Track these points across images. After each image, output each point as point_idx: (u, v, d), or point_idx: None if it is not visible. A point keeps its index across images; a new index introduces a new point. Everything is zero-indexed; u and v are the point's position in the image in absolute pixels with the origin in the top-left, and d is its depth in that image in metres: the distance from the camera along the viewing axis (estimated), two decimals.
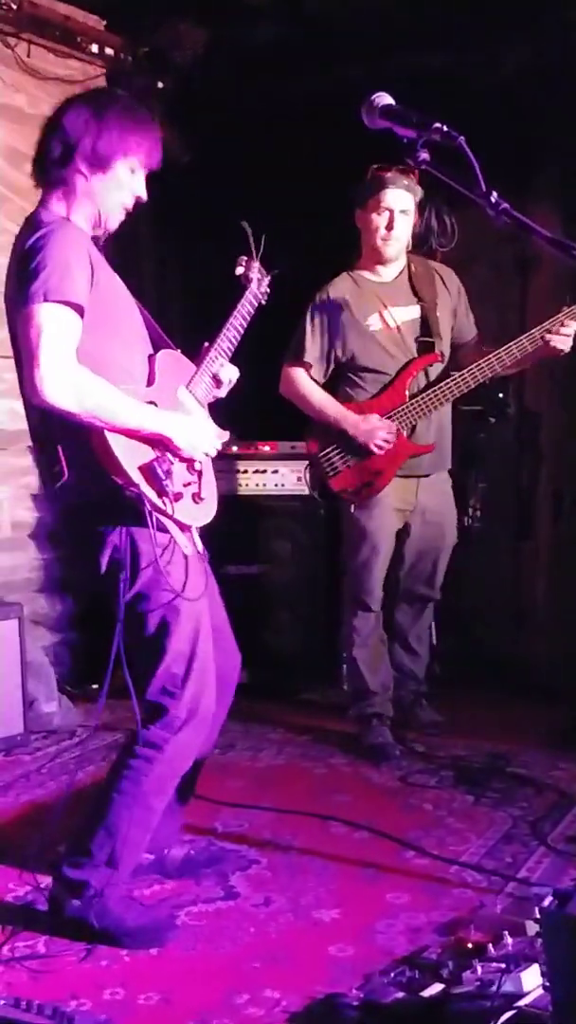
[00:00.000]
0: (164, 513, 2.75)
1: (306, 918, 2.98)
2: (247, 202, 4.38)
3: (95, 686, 5.03)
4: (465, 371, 4.26)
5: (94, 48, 5.21)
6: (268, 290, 3.28)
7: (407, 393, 4.32)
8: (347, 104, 2.39)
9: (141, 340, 2.95)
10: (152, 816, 2.88)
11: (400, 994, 2.47)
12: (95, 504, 2.76)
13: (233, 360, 3.18)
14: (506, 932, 2.61)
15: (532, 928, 2.66)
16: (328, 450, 4.38)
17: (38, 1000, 2.36)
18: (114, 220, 2.93)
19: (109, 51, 5.27)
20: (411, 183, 4.26)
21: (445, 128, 2.16)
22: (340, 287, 4.40)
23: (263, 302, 3.27)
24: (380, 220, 4.28)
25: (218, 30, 5.25)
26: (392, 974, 2.58)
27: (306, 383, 4.40)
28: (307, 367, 4.40)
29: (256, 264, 3.25)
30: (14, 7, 4.79)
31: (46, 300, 2.63)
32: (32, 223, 2.81)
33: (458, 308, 4.49)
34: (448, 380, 4.28)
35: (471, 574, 5.52)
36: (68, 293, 2.66)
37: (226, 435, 3.07)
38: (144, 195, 2.94)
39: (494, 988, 2.35)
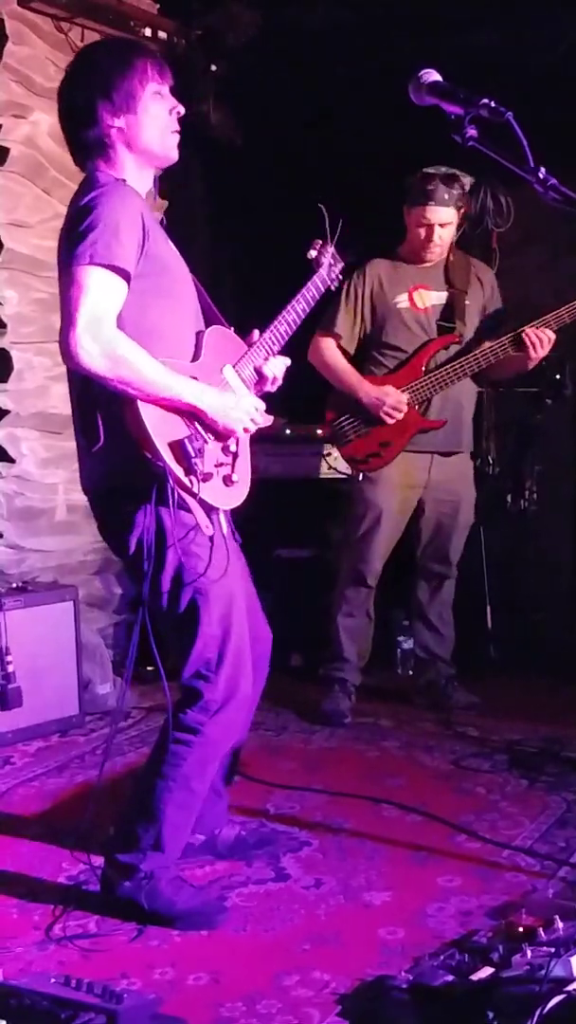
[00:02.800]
0: (189, 491, 2.72)
1: (356, 900, 2.97)
2: (299, 184, 4.41)
3: (149, 668, 5.05)
4: (478, 352, 4.38)
5: (147, 32, 5.18)
6: (340, 276, 3.26)
7: (423, 369, 4.43)
8: (398, 83, 2.37)
9: (192, 314, 2.92)
10: (194, 798, 2.88)
11: (449, 977, 2.45)
12: (124, 479, 2.75)
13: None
14: (557, 917, 2.58)
15: None
16: (342, 419, 4.55)
17: (88, 978, 2.38)
18: (171, 148, 2.89)
19: (162, 35, 5.25)
20: (455, 193, 4.34)
21: (492, 104, 2.14)
22: (377, 265, 4.55)
23: (332, 287, 3.24)
24: (421, 232, 4.42)
25: (271, 12, 5.22)
26: (442, 957, 2.57)
27: (331, 351, 4.54)
28: (337, 337, 4.53)
29: (331, 249, 3.21)
30: None
31: (92, 262, 2.62)
32: (88, 183, 2.80)
33: (488, 306, 4.59)
34: (461, 359, 4.40)
35: (527, 557, 5.49)
36: (115, 257, 2.64)
37: (271, 419, 3.05)
38: (181, 108, 2.89)
39: (544, 972, 2.33)
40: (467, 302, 4.50)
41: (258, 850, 3.24)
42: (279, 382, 3.11)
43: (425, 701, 4.72)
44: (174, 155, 2.90)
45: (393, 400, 4.38)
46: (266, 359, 3.04)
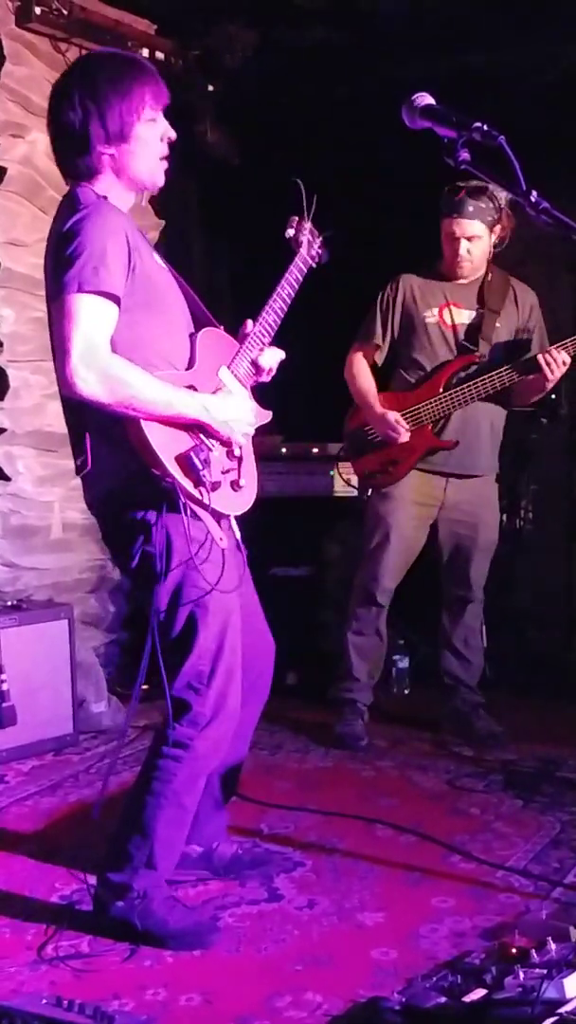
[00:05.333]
0: (200, 504, 2.73)
1: (350, 921, 2.97)
2: (296, 204, 4.42)
3: (145, 687, 5.04)
4: (494, 373, 4.32)
5: (144, 52, 5.20)
6: (321, 251, 3.18)
7: (442, 388, 4.39)
8: (396, 105, 2.39)
9: (183, 321, 2.92)
10: (185, 814, 2.88)
11: (442, 999, 2.44)
12: (129, 495, 2.76)
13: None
14: (550, 938, 2.58)
15: None
16: (357, 431, 4.56)
17: (80, 999, 2.37)
18: (159, 176, 2.88)
19: (160, 55, 5.27)
20: (483, 207, 4.30)
21: (485, 127, 2.16)
22: (411, 278, 4.53)
23: (314, 264, 3.17)
24: (449, 246, 4.39)
25: (268, 32, 5.25)
26: (434, 978, 2.55)
27: (359, 366, 4.53)
28: (375, 349, 4.53)
29: (308, 225, 3.15)
30: (65, 12, 4.82)
31: (80, 290, 2.62)
32: (70, 203, 2.77)
33: (521, 328, 4.52)
34: (474, 381, 4.35)
35: (522, 576, 5.50)
36: (103, 283, 2.64)
37: (268, 415, 3.04)
38: (172, 133, 2.87)
39: (536, 994, 2.33)
40: (497, 324, 4.43)
41: (252, 870, 3.22)
42: (274, 372, 3.12)
43: (450, 728, 4.64)
44: (160, 182, 2.90)
45: (391, 423, 4.36)
46: (260, 351, 3.03)
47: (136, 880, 2.81)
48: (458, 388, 4.36)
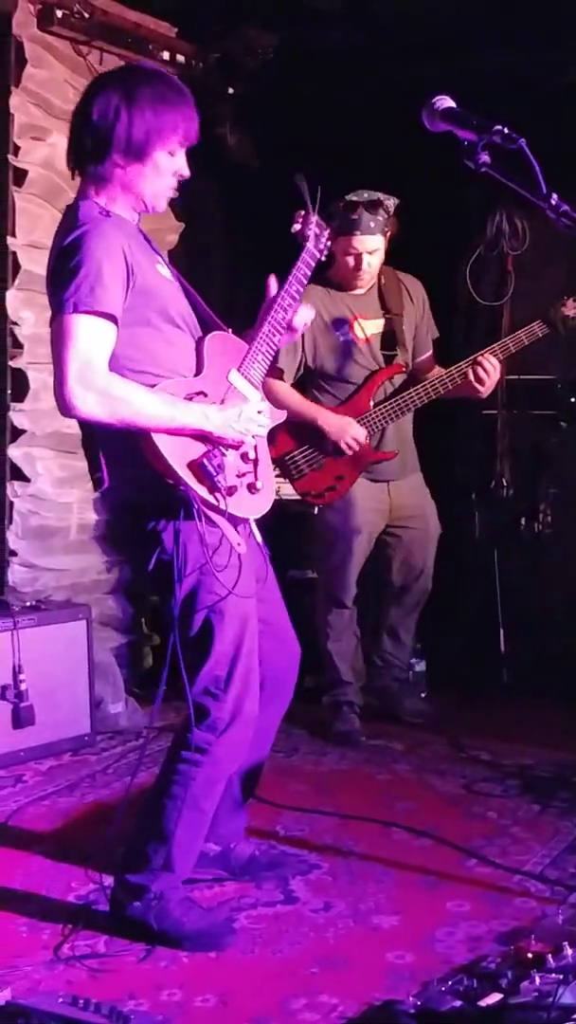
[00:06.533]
0: (216, 510, 2.72)
1: (365, 924, 2.96)
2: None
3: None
4: (427, 383, 4.37)
5: (165, 55, 5.22)
6: (328, 243, 3.18)
7: (372, 402, 4.42)
8: (415, 106, 2.39)
9: (189, 328, 2.90)
10: (203, 817, 2.89)
11: (457, 1003, 2.44)
12: (144, 503, 2.76)
13: None
14: (566, 943, 2.57)
15: None
16: (294, 452, 4.49)
17: (96, 999, 2.37)
18: (161, 203, 2.87)
19: (180, 58, 5.29)
20: (380, 220, 4.31)
21: (506, 130, 2.15)
22: (313, 295, 4.36)
23: (323, 258, 3.17)
24: (349, 260, 4.39)
25: (287, 35, 5.25)
26: (450, 982, 2.55)
27: (282, 386, 4.42)
28: (279, 373, 4.41)
29: (314, 218, 3.12)
30: (86, 15, 4.83)
31: (76, 311, 2.62)
32: (72, 217, 2.76)
33: (419, 323, 4.58)
34: (410, 391, 4.39)
35: (541, 580, 5.48)
36: (99, 302, 2.63)
37: (283, 415, 3.03)
38: (186, 172, 2.86)
39: (552, 999, 2.32)
40: (404, 327, 4.49)
41: (267, 872, 3.23)
42: (307, 326, 3.17)
43: (377, 706, 4.78)
44: (161, 209, 2.90)
45: (355, 431, 4.37)
46: (272, 352, 3.01)
47: (153, 882, 2.82)
48: (392, 401, 4.41)
